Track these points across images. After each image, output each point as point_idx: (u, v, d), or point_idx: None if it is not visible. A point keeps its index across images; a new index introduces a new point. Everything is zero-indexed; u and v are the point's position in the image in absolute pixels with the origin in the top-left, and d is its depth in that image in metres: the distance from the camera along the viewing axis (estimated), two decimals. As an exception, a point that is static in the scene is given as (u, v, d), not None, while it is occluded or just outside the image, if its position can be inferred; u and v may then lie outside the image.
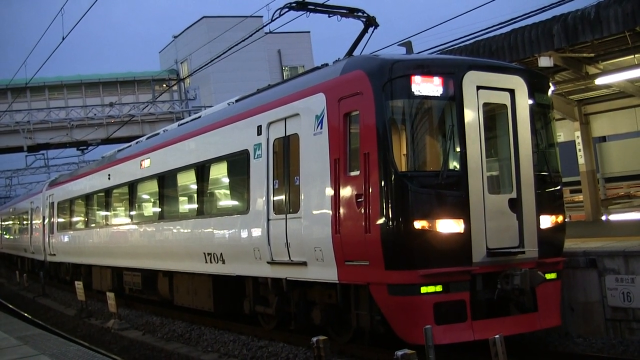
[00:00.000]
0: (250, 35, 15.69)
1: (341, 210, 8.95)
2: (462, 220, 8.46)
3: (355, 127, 8.95)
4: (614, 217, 19.27)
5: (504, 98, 9.17)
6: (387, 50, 13.64)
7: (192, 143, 13.67)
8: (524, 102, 9.23)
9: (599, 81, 14.87)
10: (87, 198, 20.83)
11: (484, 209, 8.64)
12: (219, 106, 14.17)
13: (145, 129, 38.77)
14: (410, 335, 8.32)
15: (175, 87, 44.78)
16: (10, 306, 20.74)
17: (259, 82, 18.82)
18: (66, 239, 23.42)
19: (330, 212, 9.09)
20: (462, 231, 8.45)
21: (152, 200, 16.27)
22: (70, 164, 47.03)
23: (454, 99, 8.71)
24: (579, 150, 18.47)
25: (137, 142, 18.44)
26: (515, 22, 12.97)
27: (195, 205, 13.44)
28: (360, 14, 11.08)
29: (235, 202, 12.25)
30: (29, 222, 30.45)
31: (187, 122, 15.56)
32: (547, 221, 9.29)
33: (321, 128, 9.42)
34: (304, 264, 9.71)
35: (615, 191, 21.37)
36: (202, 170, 13.16)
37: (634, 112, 18.21)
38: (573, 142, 18.70)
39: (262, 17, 21.45)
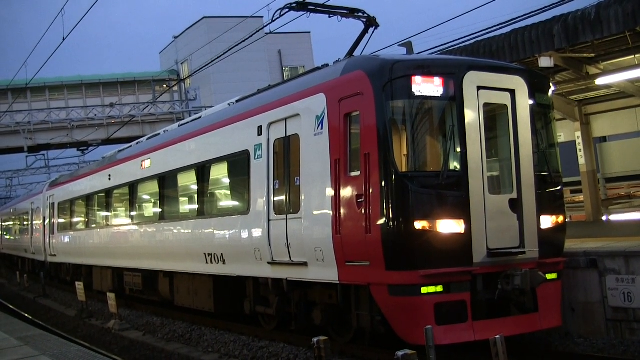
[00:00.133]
0: (251, 36, 15.71)
1: (342, 211, 8.95)
2: (462, 221, 8.46)
3: (355, 127, 8.95)
4: (614, 218, 19.28)
5: (504, 98, 9.17)
6: (387, 51, 13.65)
7: (193, 143, 13.67)
8: (524, 103, 9.23)
9: (600, 81, 14.87)
10: (88, 199, 20.84)
11: (484, 209, 8.64)
12: (220, 107, 14.17)
13: (145, 129, 38.78)
14: (411, 335, 8.31)
15: (175, 88, 44.82)
16: (11, 307, 20.75)
17: (260, 83, 18.82)
18: (67, 239, 23.42)
19: (331, 212, 9.09)
20: (462, 231, 8.45)
21: (153, 200, 16.27)
22: (71, 165, 47.16)
23: (454, 100, 8.71)
24: (580, 150, 18.48)
25: (137, 143, 18.44)
26: (515, 23, 12.98)
27: (195, 206, 13.44)
28: (360, 14, 11.08)
29: (236, 203, 12.25)
30: (30, 222, 30.46)
31: (187, 122, 15.56)
32: (547, 221, 9.29)
33: (322, 128, 9.42)
34: (305, 264, 9.71)
35: (615, 191, 21.38)
36: (202, 170, 13.16)
37: (634, 112, 18.21)
38: (573, 142, 18.70)
39: (262, 17, 21.45)
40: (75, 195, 22.16)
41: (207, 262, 12.55)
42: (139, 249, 16.22)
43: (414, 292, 8.25)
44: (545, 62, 13.28)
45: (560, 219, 9.57)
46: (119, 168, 18.01)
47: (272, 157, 10.63)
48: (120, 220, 18.19)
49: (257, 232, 10.82)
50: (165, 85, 45.32)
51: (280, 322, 11.44)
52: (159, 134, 17.08)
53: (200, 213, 13.14)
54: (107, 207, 18.90)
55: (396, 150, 8.55)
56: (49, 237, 25.44)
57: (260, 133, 10.92)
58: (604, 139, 21.07)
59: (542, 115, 9.76)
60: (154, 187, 15.54)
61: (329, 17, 11.29)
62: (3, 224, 43.50)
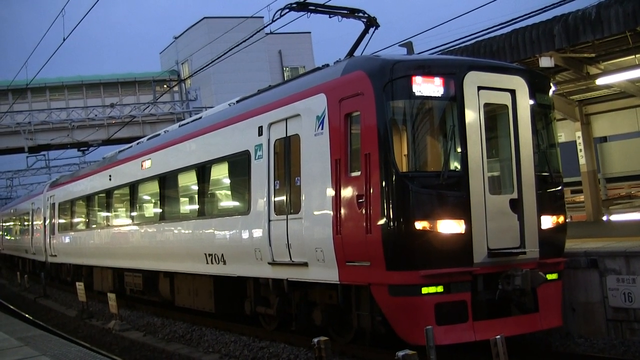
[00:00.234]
0: (251, 36, 15.73)
1: (342, 211, 8.95)
2: (463, 221, 8.45)
3: (356, 127, 8.95)
4: (615, 218, 19.27)
5: (505, 98, 9.16)
6: (388, 51, 13.65)
7: (193, 144, 13.67)
8: (525, 103, 9.22)
9: (600, 81, 14.87)
10: (88, 199, 20.84)
11: (485, 209, 8.64)
12: (220, 107, 14.17)
13: (146, 129, 38.79)
14: (412, 335, 8.31)
15: (176, 88, 44.82)
16: (12, 307, 20.76)
17: (260, 83, 18.81)
18: (67, 239, 23.43)
19: (331, 212, 9.09)
20: (463, 232, 8.45)
21: (153, 201, 16.27)
22: (71, 165, 47.14)
23: (454, 100, 8.71)
24: (580, 150, 18.47)
25: (138, 143, 18.44)
26: (516, 23, 12.98)
27: (196, 206, 13.45)
28: (361, 14, 11.09)
29: (236, 203, 12.25)
30: (30, 223, 30.46)
31: (188, 122, 15.57)
32: (548, 221, 9.28)
33: (322, 129, 9.42)
34: (305, 264, 9.71)
35: (616, 191, 21.39)
36: (203, 171, 13.16)
37: (634, 112, 18.21)
38: (574, 142, 18.70)
39: (262, 17, 21.54)
40: (76, 196, 22.17)
41: (207, 263, 12.55)
42: (140, 249, 16.22)
43: (414, 292, 8.25)
44: (545, 62, 13.28)
45: (561, 219, 9.57)
46: (120, 168, 18.01)
47: (272, 157, 10.63)
48: (121, 220, 18.19)
49: (258, 233, 10.82)
50: (165, 86, 45.31)
51: (280, 323, 11.44)
52: (159, 134, 17.08)
53: (201, 213, 13.14)
54: (108, 207, 18.91)
55: (397, 150, 8.55)
56: (50, 237, 25.44)
57: (260, 133, 10.92)
58: (604, 139, 21.07)
59: (542, 115, 9.76)
60: (154, 187, 15.54)
61: (330, 17, 11.30)
62: (3, 224, 43.51)
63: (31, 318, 17.54)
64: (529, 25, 13.34)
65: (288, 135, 10.29)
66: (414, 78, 8.52)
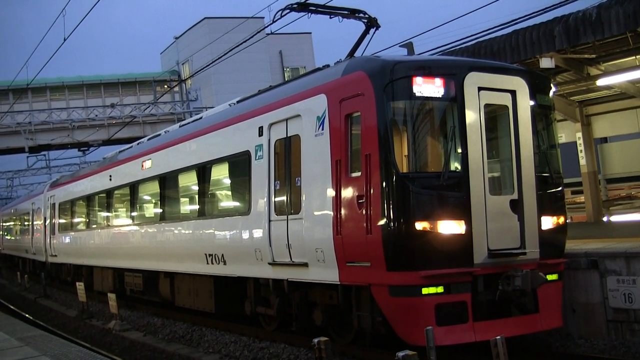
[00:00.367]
0: (252, 37, 15.74)
1: (342, 212, 8.95)
2: (463, 222, 8.45)
3: (356, 128, 8.95)
4: (615, 218, 19.28)
5: (505, 99, 9.16)
6: (388, 52, 13.66)
7: (194, 144, 13.67)
8: (525, 103, 9.22)
9: (601, 82, 14.88)
10: (89, 199, 20.85)
11: (485, 210, 8.64)
12: (220, 107, 14.18)
13: (146, 130, 38.81)
14: (412, 336, 8.31)
15: (176, 88, 44.84)
16: (12, 307, 20.76)
17: (261, 83, 18.82)
18: (67, 240, 23.43)
19: (332, 213, 9.09)
20: (463, 232, 8.45)
21: (154, 201, 16.27)
22: (72, 165, 47.15)
23: (455, 100, 8.71)
24: (580, 151, 18.49)
25: (138, 143, 18.45)
26: (516, 23, 12.99)
27: (196, 206, 13.45)
28: (361, 15, 11.09)
29: (237, 203, 12.25)
30: (30, 223, 30.46)
31: (188, 123, 15.57)
32: (548, 222, 9.28)
33: (322, 129, 9.42)
34: (305, 265, 9.71)
35: (616, 192, 21.40)
36: (203, 171, 13.16)
37: (635, 113, 18.23)
38: (574, 143, 18.72)
39: (263, 18, 21.57)
40: (76, 196, 22.17)
41: (207, 263, 12.55)
42: (140, 249, 16.22)
43: (414, 293, 8.25)
44: (546, 62, 13.28)
45: (561, 219, 9.57)
46: (120, 168, 18.01)
47: (272, 157, 10.63)
48: (121, 220, 18.19)
49: (258, 233, 10.82)
50: (166, 86, 45.32)
51: (280, 323, 11.44)
52: (159, 135, 17.09)
53: (201, 213, 13.14)
54: (108, 207, 18.91)
55: (397, 151, 8.55)
56: (50, 237, 25.44)
57: (261, 134, 10.92)
58: (604, 140, 21.10)
59: (543, 116, 9.76)
60: (154, 187, 15.55)
61: (330, 17, 11.31)
62: (4, 224, 43.52)
63: (31, 318, 17.55)
64: (530, 26, 13.35)
65: (288, 135, 10.30)
66: (414, 79, 8.52)
